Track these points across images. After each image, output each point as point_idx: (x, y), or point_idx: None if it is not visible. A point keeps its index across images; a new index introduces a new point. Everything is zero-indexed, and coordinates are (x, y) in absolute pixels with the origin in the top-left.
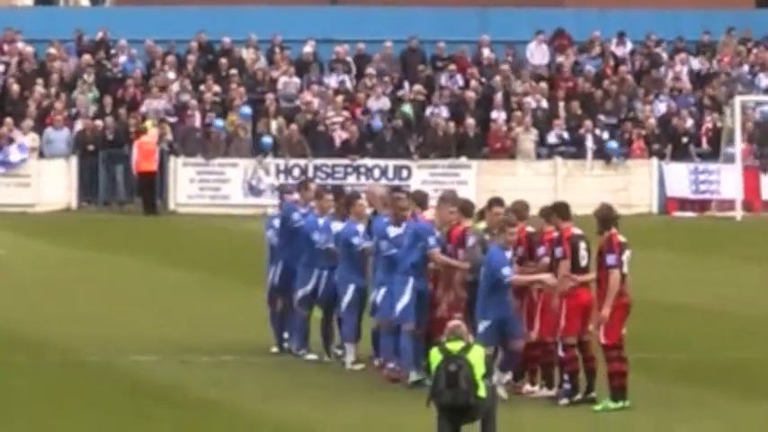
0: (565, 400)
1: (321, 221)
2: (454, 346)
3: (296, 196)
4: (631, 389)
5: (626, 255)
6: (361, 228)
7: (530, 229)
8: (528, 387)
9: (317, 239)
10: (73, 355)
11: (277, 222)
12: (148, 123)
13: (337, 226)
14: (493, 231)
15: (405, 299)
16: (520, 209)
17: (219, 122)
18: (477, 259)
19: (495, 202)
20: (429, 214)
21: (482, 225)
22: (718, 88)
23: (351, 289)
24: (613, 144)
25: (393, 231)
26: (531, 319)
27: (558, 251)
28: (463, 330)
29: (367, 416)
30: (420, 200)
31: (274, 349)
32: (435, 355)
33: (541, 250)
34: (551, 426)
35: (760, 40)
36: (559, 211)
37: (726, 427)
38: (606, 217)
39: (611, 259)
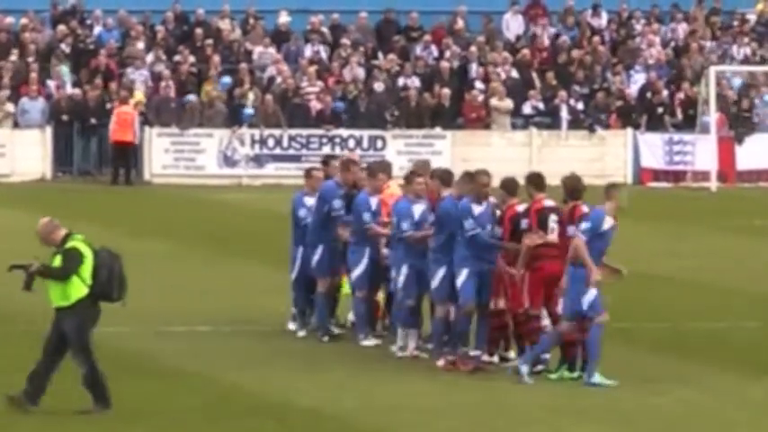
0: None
1: (374, 201)
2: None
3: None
4: (606, 359)
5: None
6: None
7: (492, 199)
8: (485, 357)
9: (366, 220)
10: (46, 326)
11: (309, 202)
12: (133, 93)
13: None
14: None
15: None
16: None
17: (191, 97)
18: None
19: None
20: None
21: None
22: (692, 59)
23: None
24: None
25: (477, 209)
26: (497, 288)
27: (525, 223)
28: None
29: (342, 384)
30: (446, 178)
31: (302, 333)
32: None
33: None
34: (524, 396)
35: (728, 10)
36: (533, 181)
37: (701, 397)
38: (574, 188)
39: (571, 230)
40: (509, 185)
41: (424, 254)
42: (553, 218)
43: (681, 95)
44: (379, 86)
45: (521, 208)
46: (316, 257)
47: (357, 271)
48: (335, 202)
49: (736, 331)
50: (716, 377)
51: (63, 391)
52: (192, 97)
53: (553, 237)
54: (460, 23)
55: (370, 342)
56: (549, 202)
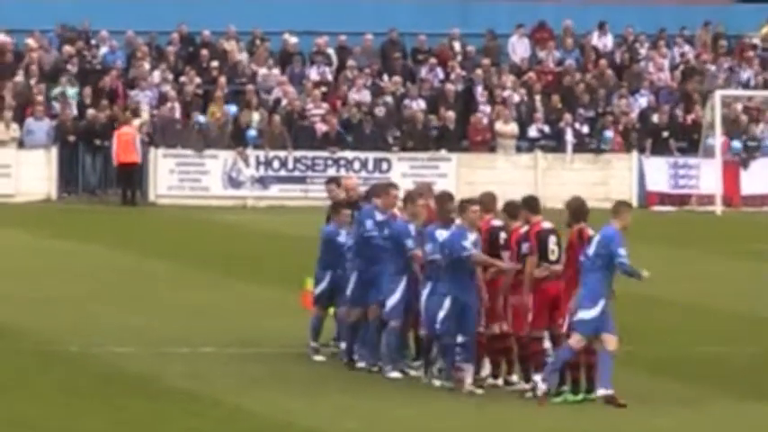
0: (530, 394)
1: (412, 227)
2: None
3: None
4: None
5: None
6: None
7: (496, 222)
8: (490, 380)
9: (410, 246)
10: (51, 345)
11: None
12: (140, 114)
13: (442, 233)
14: None
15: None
16: (487, 201)
17: (201, 118)
18: None
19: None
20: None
21: None
22: (698, 82)
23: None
24: (609, 134)
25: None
26: (494, 311)
27: (526, 246)
28: None
29: (343, 407)
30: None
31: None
32: None
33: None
34: (526, 419)
35: (733, 35)
36: (529, 204)
37: (703, 420)
38: (579, 210)
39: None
40: (511, 209)
41: (468, 286)
42: (552, 239)
43: (686, 119)
44: (380, 111)
45: (523, 230)
46: (351, 285)
47: (392, 300)
48: (368, 222)
49: (738, 356)
50: (717, 401)
51: None
52: (202, 118)
53: (554, 259)
54: (468, 47)
55: (395, 374)
56: (546, 224)
